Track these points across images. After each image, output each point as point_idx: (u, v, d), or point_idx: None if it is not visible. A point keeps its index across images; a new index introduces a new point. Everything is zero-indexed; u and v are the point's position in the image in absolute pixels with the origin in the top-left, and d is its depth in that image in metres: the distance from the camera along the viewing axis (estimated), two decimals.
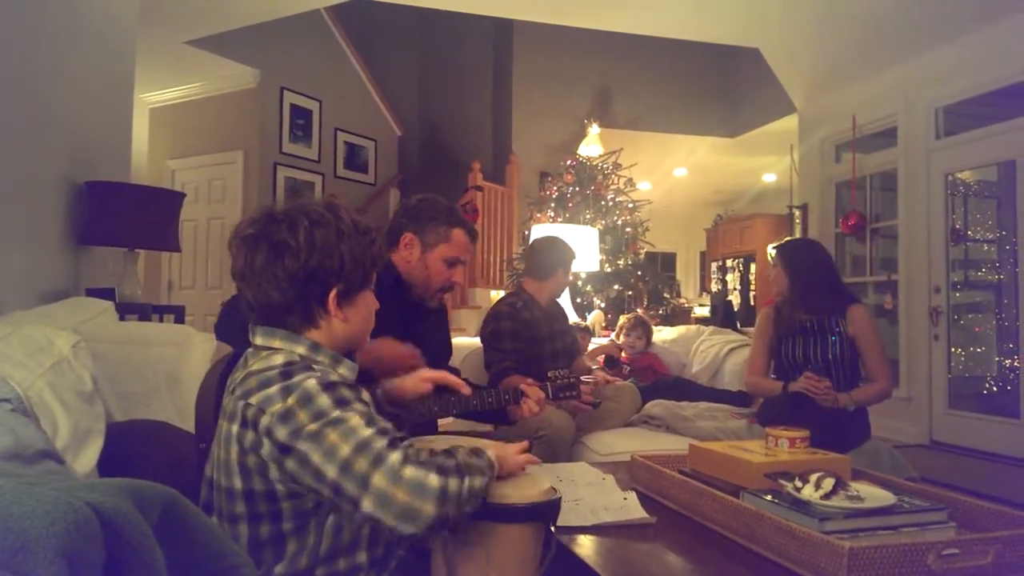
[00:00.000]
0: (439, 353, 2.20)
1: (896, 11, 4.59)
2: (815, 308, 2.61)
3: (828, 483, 1.29)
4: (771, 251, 2.88)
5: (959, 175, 4.90)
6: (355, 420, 1.02)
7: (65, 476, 1.01)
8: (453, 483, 0.99)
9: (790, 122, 6.38)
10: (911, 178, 4.98)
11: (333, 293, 1.16)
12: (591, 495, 1.65)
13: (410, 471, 0.97)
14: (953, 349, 4.74)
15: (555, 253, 2.92)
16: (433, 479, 0.97)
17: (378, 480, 0.97)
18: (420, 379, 1.47)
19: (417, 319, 2.02)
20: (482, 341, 2.80)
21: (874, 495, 1.31)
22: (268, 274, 1.13)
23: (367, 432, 1.01)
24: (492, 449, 1.14)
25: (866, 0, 4.59)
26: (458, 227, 1.98)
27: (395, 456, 0.98)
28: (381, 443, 1.00)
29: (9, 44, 2.43)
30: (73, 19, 2.97)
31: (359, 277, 1.19)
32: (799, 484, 1.30)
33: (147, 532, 0.57)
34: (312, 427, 1.02)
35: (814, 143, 5.95)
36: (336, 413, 1.02)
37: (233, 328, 1.52)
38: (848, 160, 5.58)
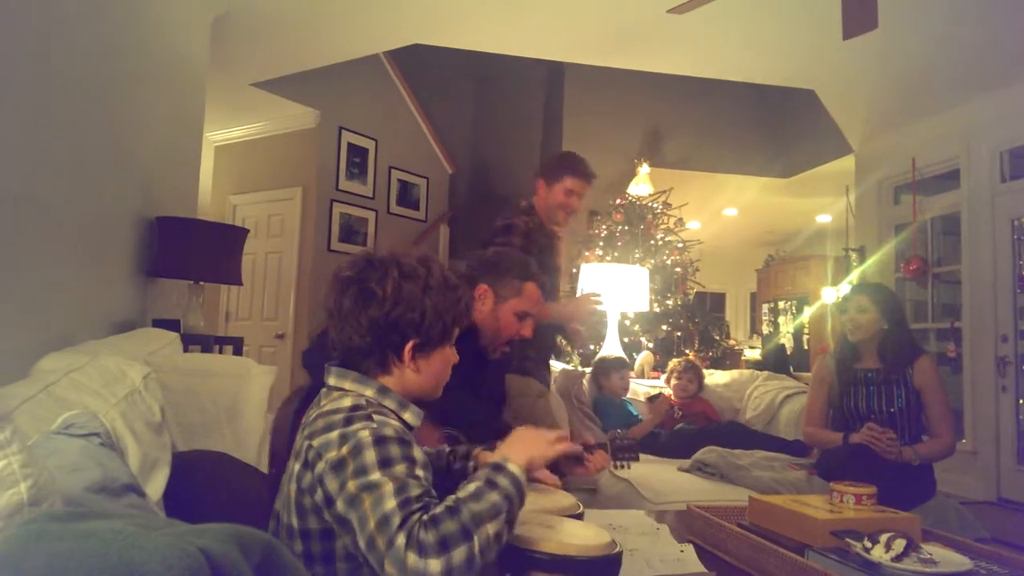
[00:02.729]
0: (497, 399, 2.23)
1: (956, 53, 4.51)
2: (893, 357, 2.53)
3: (899, 544, 1.24)
4: (848, 292, 2.79)
5: None
6: (388, 487, 1.02)
7: (149, 511, 1.04)
8: (458, 555, 0.97)
9: (846, 163, 6.28)
10: (975, 222, 4.83)
11: (410, 345, 1.20)
12: (646, 546, 1.62)
13: (412, 559, 0.95)
14: (1021, 401, 4.53)
15: None
16: (434, 566, 0.95)
17: (388, 567, 0.97)
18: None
19: (482, 366, 2.05)
20: None
21: (948, 559, 1.26)
22: (353, 318, 1.18)
23: (391, 505, 1.01)
24: (520, 456, 1.11)
25: (925, 42, 4.53)
26: (530, 281, 2.02)
27: (401, 539, 0.97)
28: (397, 520, 0.99)
29: (89, 87, 2.58)
30: (148, 64, 3.14)
31: (439, 332, 1.22)
32: (868, 544, 1.26)
33: None
34: (351, 487, 1.03)
35: (872, 185, 5.84)
36: (375, 476, 1.03)
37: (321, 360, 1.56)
38: (907, 202, 5.45)
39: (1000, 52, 4.35)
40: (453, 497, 1.05)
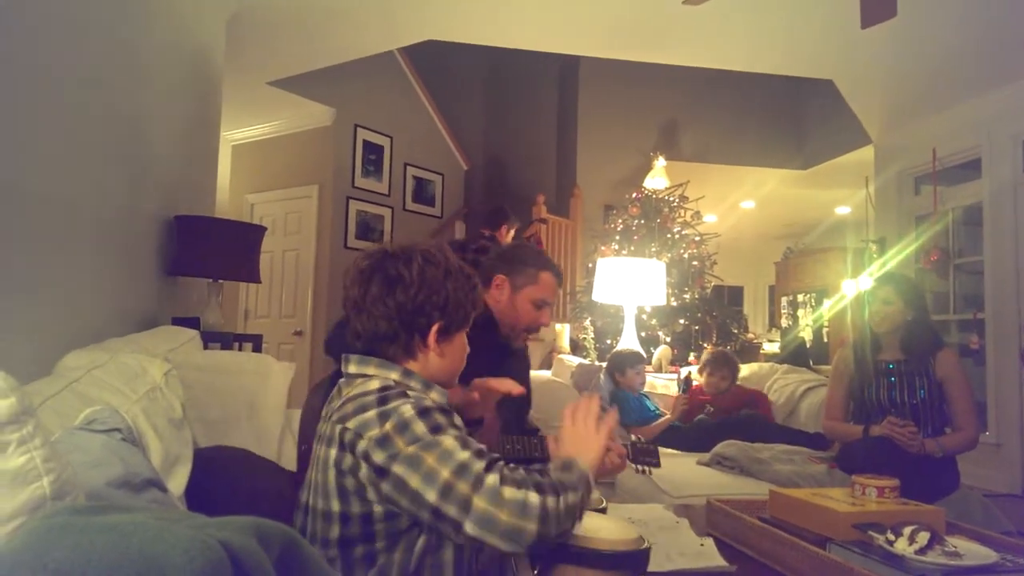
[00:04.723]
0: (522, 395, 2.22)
1: (977, 42, 4.43)
2: (917, 348, 2.51)
3: (923, 537, 1.23)
4: (873, 283, 2.77)
5: None
6: (450, 443, 1.05)
7: (171, 505, 1.05)
8: (551, 501, 1.01)
9: (865, 154, 6.19)
10: (997, 212, 4.75)
11: (435, 328, 1.22)
12: (666, 539, 1.61)
13: (509, 491, 0.99)
14: None
15: None
16: (533, 498, 0.99)
17: (479, 502, 0.99)
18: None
19: (504, 358, 2.05)
20: None
21: (974, 552, 1.24)
22: (380, 304, 1.19)
23: (464, 455, 1.03)
24: (583, 459, 1.14)
25: (945, 30, 4.46)
26: (546, 270, 2.05)
27: (493, 478, 1.01)
28: (479, 465, 1.02)
29: (110, 90, 2.60)
30: (164, 64, 3.16)
31: (460, 316, 1.25)
32: (892, 537, 1.25)
33: (270, 570, 0.60)
34: (410, 450, 1.04)
35: (891, 176, 5.76)
36: (431, 438, 1.05)
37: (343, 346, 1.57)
38: (928, 193, 5.37)
39: (1021, 40, 4.26)
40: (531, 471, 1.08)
